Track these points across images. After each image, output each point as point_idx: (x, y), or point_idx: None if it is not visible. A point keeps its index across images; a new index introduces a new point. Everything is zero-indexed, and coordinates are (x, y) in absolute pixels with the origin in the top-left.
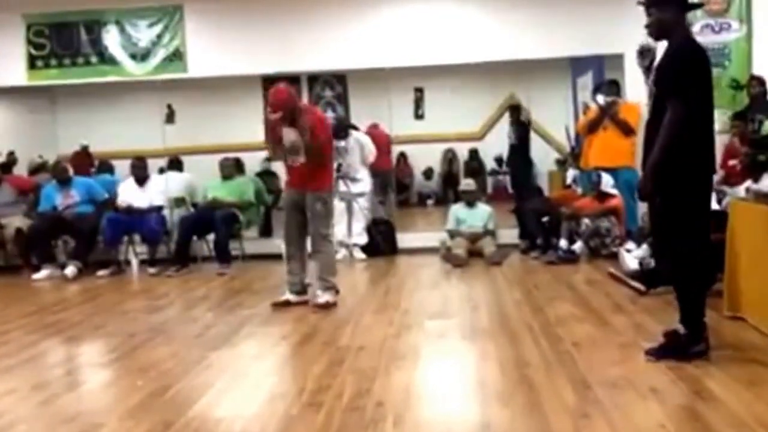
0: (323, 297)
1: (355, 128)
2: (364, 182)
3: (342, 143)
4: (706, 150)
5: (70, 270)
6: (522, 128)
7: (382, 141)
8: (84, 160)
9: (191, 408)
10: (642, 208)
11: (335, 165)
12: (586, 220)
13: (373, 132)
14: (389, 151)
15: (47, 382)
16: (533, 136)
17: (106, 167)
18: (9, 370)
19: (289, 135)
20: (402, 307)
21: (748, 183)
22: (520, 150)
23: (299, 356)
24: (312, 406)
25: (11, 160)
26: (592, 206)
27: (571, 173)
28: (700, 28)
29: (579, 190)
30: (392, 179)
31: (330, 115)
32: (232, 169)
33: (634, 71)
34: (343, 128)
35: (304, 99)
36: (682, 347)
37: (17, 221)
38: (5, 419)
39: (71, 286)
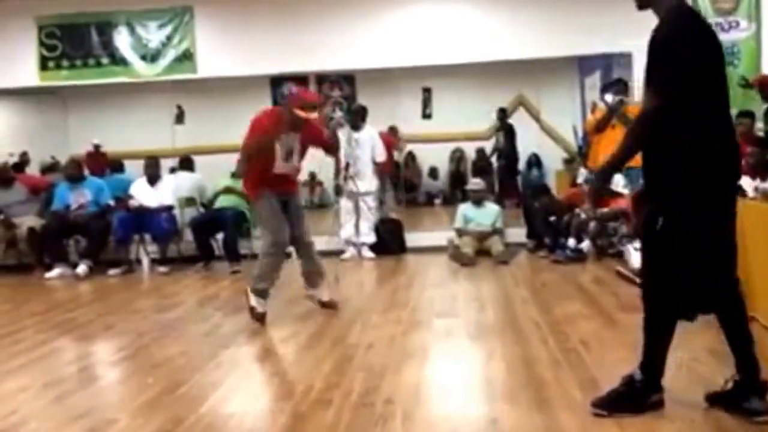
0: (328, 292)
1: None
2: (371, 180)
3: (355, 135)
4: (703, 158)
5: (81, 269)
6: (509, 131)
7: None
8: (97, 160)
9: (202, 405)
10: None
11: (344, 164)
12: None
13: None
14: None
15: (59, 380)
16: (541, 135)
17: (117, 167)
18: (21, 368)
19: (291, 141)
20: (410, 306)
21: (757, 182)
22: (508, 153)
23: (308, 354)
24: (321, 403)
25: (24, 160)
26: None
27: (583, 172)
28: None
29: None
30: (385, 180)
31: (338, 114)
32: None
33: (643, 70)
34: (361, 118)
35: None
36: (639, 396)
37: (30, 221)
38: (18, 416)
39: (83, 285)
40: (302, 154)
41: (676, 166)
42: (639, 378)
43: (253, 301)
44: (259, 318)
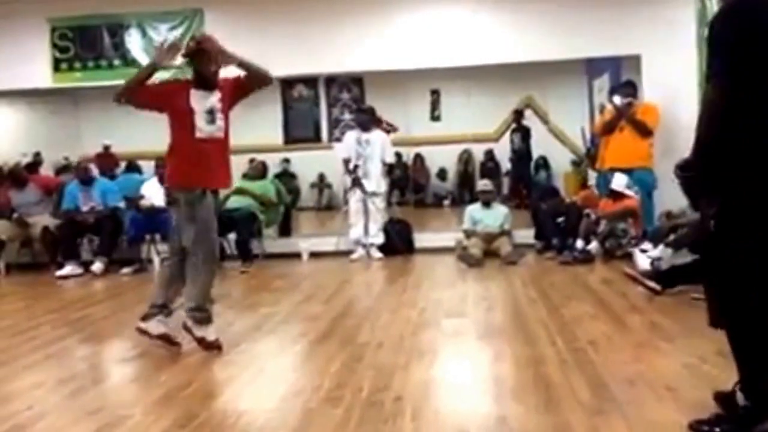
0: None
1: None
2: (379, 181)
3: (365, 135)
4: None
5: (97, 266)
6: (524, 132)
7: None
8: (107, 160)
9: (213, 402)
10: (658, 208)
11: (352, 165)
12: (603, 221)
13: None
14: None
15: (74, 376)
16: (549, 137)
17: (133, 167)
18: (36, 364)
19: (206, 100)
20: (419, 306)
21: None
22: (523, 154)
23: (318, 353)
24: (331, 401)
25: (37, 161)
26: (610, 207)
27: (594, 175)
28: None
29: (596, 192)
30: None
31: (346, 117)
32: (259, 171)
33: (651, 72)
34: (371, 119)
35: (322, 101)
36: (743, 424)
37: (44, 220)
38: (34, 411)
39: (96, 284)
40: (226, 113)
41: (731, 162)
42: (743, 403)
43: (200, 331)
44: (218, 345)
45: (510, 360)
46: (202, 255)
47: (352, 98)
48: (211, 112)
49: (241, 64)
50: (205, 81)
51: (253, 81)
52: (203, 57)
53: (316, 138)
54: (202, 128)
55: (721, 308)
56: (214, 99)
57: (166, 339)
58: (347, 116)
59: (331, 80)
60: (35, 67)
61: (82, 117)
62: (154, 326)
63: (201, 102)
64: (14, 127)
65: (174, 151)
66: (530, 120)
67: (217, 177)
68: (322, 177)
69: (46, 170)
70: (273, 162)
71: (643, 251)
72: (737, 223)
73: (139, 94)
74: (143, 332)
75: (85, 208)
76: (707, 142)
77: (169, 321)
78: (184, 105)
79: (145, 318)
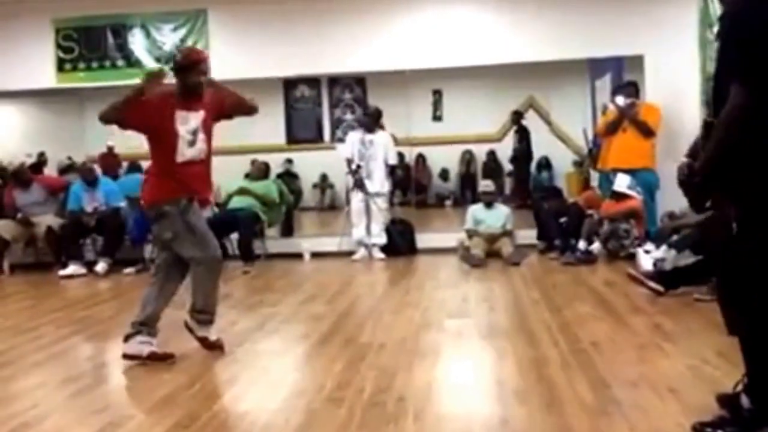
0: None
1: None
2: (382, 182)
3: (369, 136)
4: None
5: (101, 266)
6: (524, 133)
7: None
8: (110, 161)
9: (217, 401)
10: (661, 209)
11: (354, 167)
12: (605, 222)
13: None
14: None
15: (77, 376)
16: (551, 138)
17: (135, 167)
18: (40, 364)
19: (190, 120)
20: (421, 306)
21: None
22: (523, 154)
23: (321, 353)
24: (334, 401)
25: (41, 161)
26: (613, 208)
27: (596, 175)
28: None
29: (599, 192)
30: None
31: (348, 117)
32: (261, 171)
33: (654, 72)
34: (376, 120)
35: (324, 101)
36: (747, 427)
37: (48, 220)
38: (37, 410)
39: (100, 283)
40: (207, 133)
41: (752, 164)
42: (747, 406)
43: (202, 331)
44: (221, 345)
45: (512, 361)
46: (205, 265)
47: (355, 98)
48: (193, 133)
49: (228, 94)
50: (191, 94)
51: (238, 110)
52: (191, 69)
53: (319, 138)
54: (184, 153)
55: (736, 312)
56: (198, 119)
57: (158, 357)
58: (349, 116)
59: (333, 80)
60: (39, 68)
61: (87, 118)
62: (138, 348)
63: (184, 124)
64: (19, 128)
65: (154, 174)
66: (532, 120)
67: (197, 191)
68: (324, 177)
69: (50, 170)
70: (275, 162)
71: (646, 252)
72: (757, 226)
73: (127, 118)
74: (132, 357)
75: (88, 209)
76: (729, 144)
77: (153, 340)
78: (168, 129)
79: (126, 338)
